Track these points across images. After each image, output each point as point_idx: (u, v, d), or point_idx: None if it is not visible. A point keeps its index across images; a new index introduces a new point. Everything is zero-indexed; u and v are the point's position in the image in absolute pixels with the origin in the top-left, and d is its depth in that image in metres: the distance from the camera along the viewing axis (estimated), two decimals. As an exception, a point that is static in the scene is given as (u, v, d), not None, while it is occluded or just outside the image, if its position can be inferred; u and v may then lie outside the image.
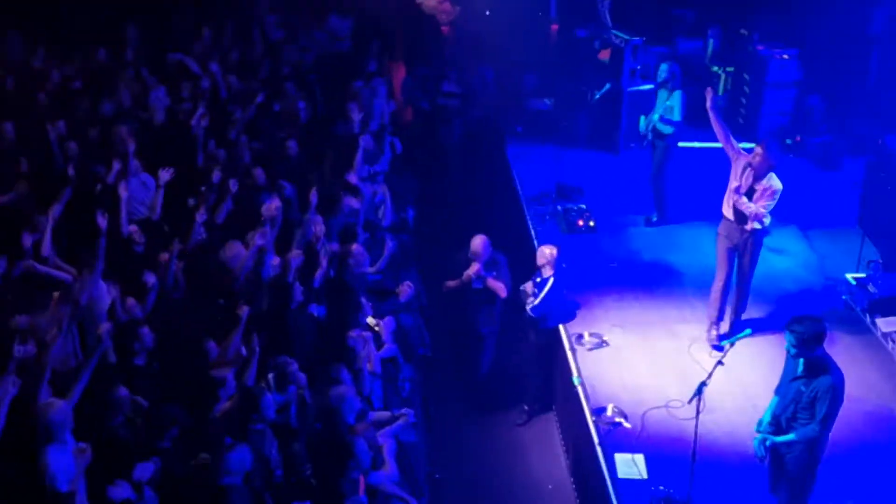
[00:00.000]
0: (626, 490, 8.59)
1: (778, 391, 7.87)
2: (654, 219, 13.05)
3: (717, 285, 10.43)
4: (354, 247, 10.12)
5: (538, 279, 10.51)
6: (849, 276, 11.52)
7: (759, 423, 7.91)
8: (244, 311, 8.55)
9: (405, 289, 10.59)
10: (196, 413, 7.84)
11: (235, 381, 8.12)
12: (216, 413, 7.82)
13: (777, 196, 9.88)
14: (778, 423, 7.74)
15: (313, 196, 10.46)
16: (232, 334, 8.51)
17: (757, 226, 10.02)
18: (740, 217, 10.07)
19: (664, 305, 11.30)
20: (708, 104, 10.42)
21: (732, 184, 10.07)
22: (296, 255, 9.54)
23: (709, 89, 10.62)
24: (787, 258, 12.25)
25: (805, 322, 7.46)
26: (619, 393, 9.90)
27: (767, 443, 7.74)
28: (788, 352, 7.57)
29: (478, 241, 10.65)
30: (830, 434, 7.68)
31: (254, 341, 8.33)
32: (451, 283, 10.80)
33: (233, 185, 10.48)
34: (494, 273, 10.65)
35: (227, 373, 8.07)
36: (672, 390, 9.86)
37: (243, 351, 8.48)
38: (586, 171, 14.53)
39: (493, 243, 10.80)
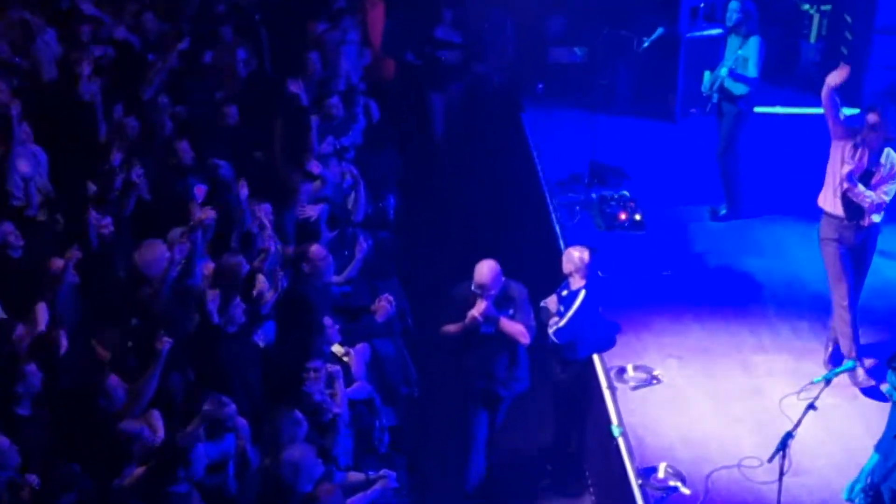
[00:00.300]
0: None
1: (879, 447, 7.87)
2: (723, 212, 13.11)
3: (842, 304, 10.33)
4: (314, 248, 10.14)
5: (564, 292, 10.57)
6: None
7: (850, 490, 7.93)
8: (164, 344, 8.58)
9: (384, 305, 10.62)
10: (100, 475, 7.85)
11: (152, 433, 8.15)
12: (126, 476, 7.83)
13: None
14: (877, 493, 7.73)
15: (242, 187, 10.49)
16: (148, 372, 8.54)
17: (876, 218, 10.11)
18: (853, 211, 10.07)
19: (736, 329, 11.35)
20: (834, 81, 10.22)
21: (842, 168, 10.05)
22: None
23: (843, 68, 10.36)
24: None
25: None
26: (674, 447, 9.92)
27: None
28: (891, 397, 7.57)
29: (484, 271, 10.16)
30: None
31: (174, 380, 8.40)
32: (452, 328, 10.35)
33: (135, 174, 10.47)
34: (510, 311, 10.29)
35: (139, 426, 8.10)
36: (746, 444, 9.87)
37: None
38: (630, 146, 14.62)
39: (507, 260, 10.81)
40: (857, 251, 10.32)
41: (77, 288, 9.48)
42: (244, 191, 10.60)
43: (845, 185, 9.99)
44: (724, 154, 12.90)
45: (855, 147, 9.98)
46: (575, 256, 10.51)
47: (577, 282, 10.49)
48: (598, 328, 10.80)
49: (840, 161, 10.06)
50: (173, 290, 9.46)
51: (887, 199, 9.94)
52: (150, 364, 8.60)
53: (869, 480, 7.79)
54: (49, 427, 8.33)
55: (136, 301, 9.42)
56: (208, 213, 10.03)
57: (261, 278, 9.92)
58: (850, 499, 7.88)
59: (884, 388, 7.61)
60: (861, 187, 9.95)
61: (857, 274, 10.37)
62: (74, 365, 8.82)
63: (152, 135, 11.57)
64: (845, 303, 10.30)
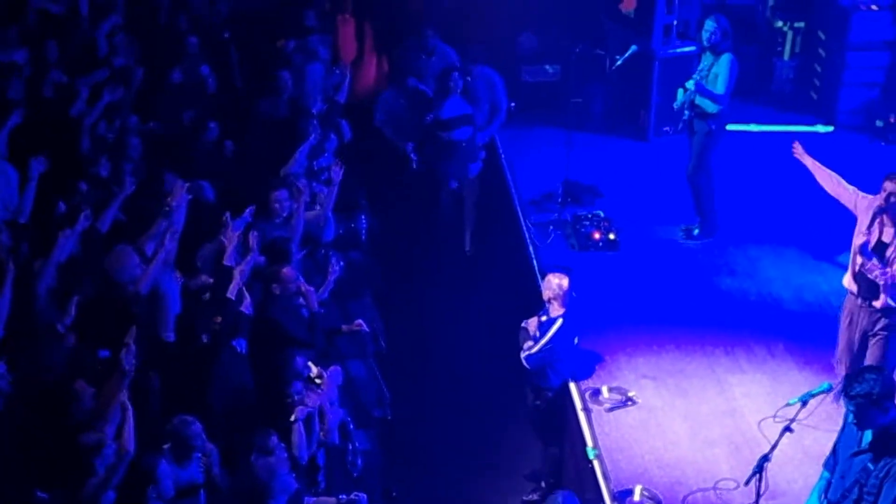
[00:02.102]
0: None
1: (828, 465, 7.88)
2: (696, 231, 13.15)
3: (839, 372, 10.07)
4: (284, 270, 10.13)
5: (544, 318, 10.59)
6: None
7: None
8: (128, 363, 8.56)
9: (357, 328, 10.61)
10: (62, 491, 7.82)
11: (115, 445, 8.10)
12: (88, 491, 7.78)
13: None
14: None
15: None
16: (115, 382, 8.51)
17: (892, 304, 9.50)
18: (868, 289, 9.62)
19: (711, 350, 11.38)
20: (798, 151, 10.40)
21: (857, 240, 9.63)
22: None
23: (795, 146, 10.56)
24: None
25: (866, 378, 7.40)
26: (650, 469, 9.94)
27: None
28: (856, 425, 7.55)
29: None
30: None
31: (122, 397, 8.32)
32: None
33: (129, 186, 10.47)
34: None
35: (101, 436, 8.05)
36: (722, 466, 9.91)
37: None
38: (604, 164, 14.64)
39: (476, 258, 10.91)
40: (870, 338, 9.84)
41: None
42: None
43: (859, 260, 9.55)
44: (696, 173, 12.88)
45: (873, 217, 9.50)
46: (554, 283, 10.52)
47: (555, 309, 10.50)
48: (572, 358, 10.77)
49: (859, 232, 9.59)
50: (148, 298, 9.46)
51: None
52: (118, 385, 8.56)
53: (825, 500, 7.78)
54: (16, 432, 8.29)
55: (109, 304, 9.38)
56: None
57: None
58: None
59: (849, 417, 7.61)
60: (874, 262, 9.49)
61: (866, 360, 9.82)
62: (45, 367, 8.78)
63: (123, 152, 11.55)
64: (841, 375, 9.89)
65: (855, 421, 7.48)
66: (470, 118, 13.71)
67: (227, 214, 10.16)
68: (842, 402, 9.46)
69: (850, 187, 9.98)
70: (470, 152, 13.88)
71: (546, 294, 10.54)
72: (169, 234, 9.80)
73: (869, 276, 9.46)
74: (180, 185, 10.27)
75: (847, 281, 9.83)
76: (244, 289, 9.63)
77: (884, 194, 9.40)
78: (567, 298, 10.48)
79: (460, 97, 13.65)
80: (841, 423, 7.83)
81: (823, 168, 10.26)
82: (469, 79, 13.90)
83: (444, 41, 14.73)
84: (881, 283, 9.40)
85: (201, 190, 11.08)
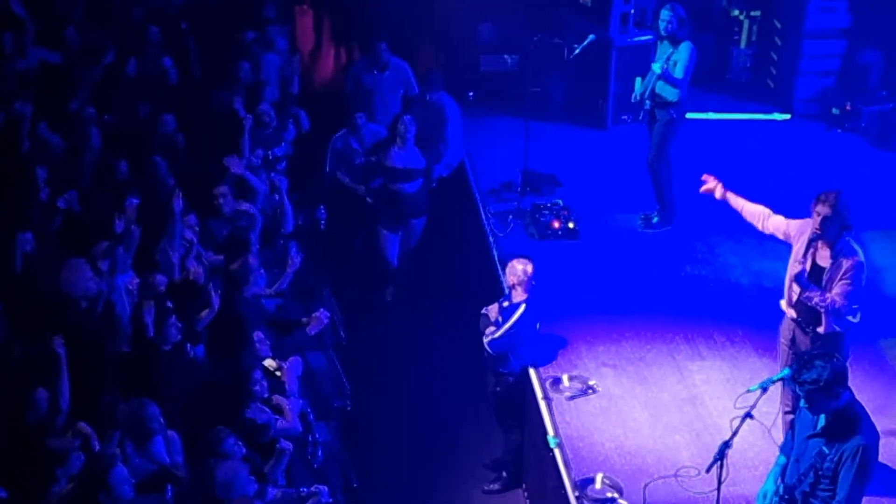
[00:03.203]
0: (622, 591, 8.61)
1: (785, 449, 7.88)
2: (656, 219, 13.12)
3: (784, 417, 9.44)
4: (243, 260, 10.03)
5: (506, 303, 10.56)
6: (919, 293, 11.69)
7: (762, 497, 7.92)
8: (57, 344, 8.51)
9: (317, 318, 10.52)
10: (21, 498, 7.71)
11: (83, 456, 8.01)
12: (53, 497, 7.68)
13: (862, 274, 8.95)
14: (792, 497, 7.73)
15: (177, 199, 10.38)
16: (57, 380, 8.42)
17: (838, 329, 9.06)
18: (809, 316, 9.20)
19: (671, 337, 11.36)
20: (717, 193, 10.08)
21: (793, 269, 9.21)
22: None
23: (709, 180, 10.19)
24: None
25: (816, 365, 7.39)
26: (611, 458, 9.91)
27: None
28: (808, 409, 7.55)
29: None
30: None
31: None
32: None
33: (64, 202, 10.35)
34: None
35: (69, 443, 7.96)
36: (683, 454, 9.89)
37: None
38: (563, 154, 14.61)
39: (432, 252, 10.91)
40: None
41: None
42: (178, 203, 10.45)
43: (796, 289, 9.19)
44: (655, 161, 12.87)
45: (808, 244, 9.09)
46: (518, 269, 10.47)
47: (518, 295, 10.46)
48: (534, 343, 10.76)
49: (795, 260, 9.19)
50: (95, 308, 9.35)
51: (844, 301, 8.93)
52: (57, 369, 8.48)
53: (782, 484, 7.77)
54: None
55: (57, 319, 9.26)
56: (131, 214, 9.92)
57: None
58: None
59: (801, 402, 7.60)
60: (812, 290, 9.01)
61: None
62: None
63: (80, 148, 11.41)
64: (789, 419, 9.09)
65: (806, 406, 7.49)
66: (422, 172, 13.22)
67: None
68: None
69: (778, 217, 9.63)
70: (416, 206, 13.34)
71: (510, 280, 10.49)
72: (122, 250, 9.71)
73: (809, 303, 9.10)
74: (131, 204, 10.19)
75: (785, 306, 9.45)
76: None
77: (817, 218, 8.96)
78: (530, 284, 10.45)
79: (414, 146, 13.10)
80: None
81: (748, 203, 9.91)
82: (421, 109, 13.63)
83: (402, 46, 14.64)
84: (822, 309, 9.05)
85: (157, 168, 10.98)
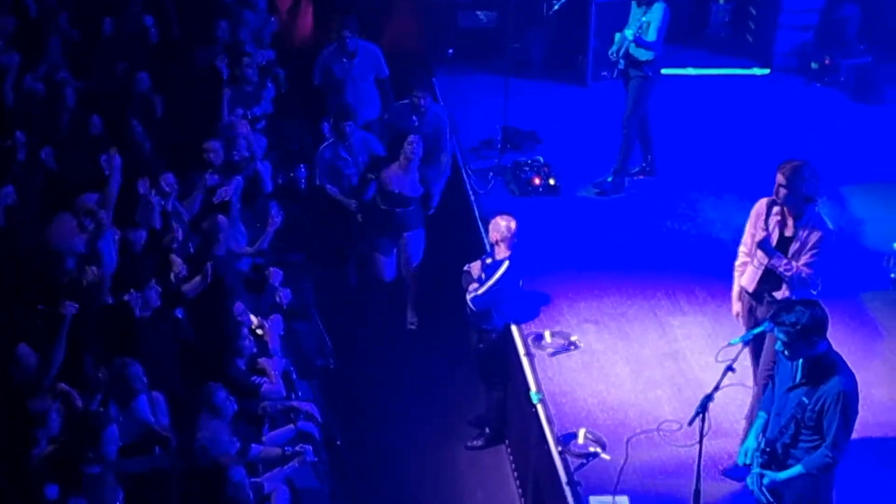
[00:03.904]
0: (605, 545, 8.61)
1: (765, 405, 7.90)
2: (609, 179, 13.01)
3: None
4: (220, 218, 9.96)
5: (489, 260, 10.54)
6: (898, 245, 11.70)
7: (744, 454, 7.93)
8: (68, 308, 8.43)
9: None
10: (5, 456, 7.70)
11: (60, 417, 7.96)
12: (35, 458, 7.64)
13: (830, 246, 8.80)
14: (774, 450, 7.75)
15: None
16: (55, 339, 8.36)
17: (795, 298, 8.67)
18: (770, 282, 8.99)
19: (652, 293, 11.35)
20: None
21: (758, 235, 8.92)
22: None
23: None
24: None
25: (796, 309, 7.44)
26: (593, 413, 9.91)
27: (766, 480, 7.74)
28: (783, 353, 7.58)
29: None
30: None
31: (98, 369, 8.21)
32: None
33: (45, 157, 10.26)
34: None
35: (49, 404, 7.92)
36: (665, 408, 9.90)
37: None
38: (543, 110, 14.54)
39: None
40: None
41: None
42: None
43: (759, 254, 8.96)
44: (627, 120, 12.81)
45: (768, 210, 8.89)
46: (502, 225, 10.44)
47: (501, 251, 10.44)
48: (517, 300, 10.73)
49: (757, 228, 8.94)
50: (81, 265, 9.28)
51: (810, 271, 8.75)
52: (56, 331, 8.41)
53: (763, 439, 7.79)
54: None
55: (44, 276, 9.21)
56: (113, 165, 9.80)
57: (176, 260, 9.75)
58: (746, 462, 7.88)
59: (777, 345, 7.61)
60: (778, 256, 8.83)
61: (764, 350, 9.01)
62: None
63: (56, 106, 11.33)
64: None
65: (783, 350, 7.52)
66: (418, 199, 12.15)
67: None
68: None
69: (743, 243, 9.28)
70: (409, 222, 12.22)
71: (493, 236, 10.47)
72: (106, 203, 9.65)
73: (776, 271, 8.91)
74: (113, 155, 10.11)
75: (745, 279, 9.18)
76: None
77: (776, 186, 8.75)
78: (514, 241, 10.42)
79: (416, 171, 11.97)
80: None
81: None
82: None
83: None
84: (787, 276, 8.85)
85: (134, 131, 10.90)
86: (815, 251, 8.74)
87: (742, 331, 9.25)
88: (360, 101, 13.19)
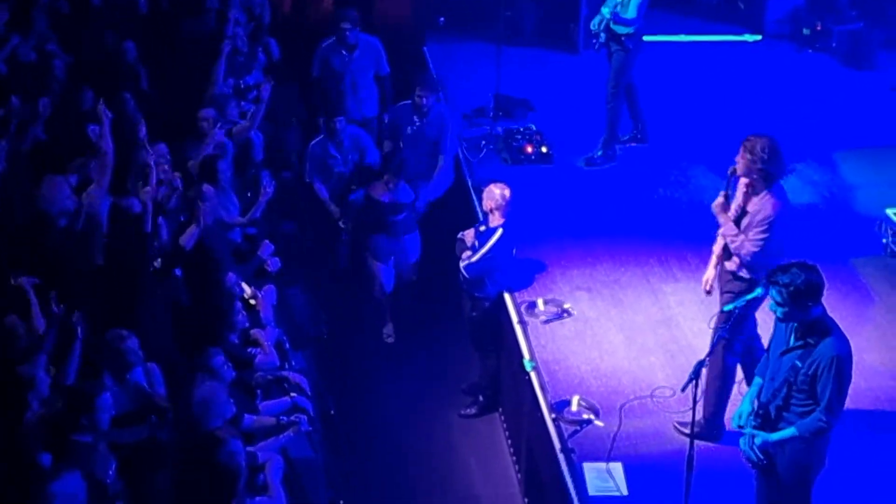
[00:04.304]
0: (599, 511, 8.62)
1: (761, 370, 7.91)
2: (599, 153, 12.97)
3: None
4: (206, 188, 9.91)
5: (482, 228, 10.54)
6: (890, 210, 11.67)
7: (738, 417, 7.95)
8: (26, 282, 8.38)
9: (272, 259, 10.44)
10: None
11: (49, 378, 7.93)
12: (27, 425, 7.62)
13: (775, 229, 8.63)
14: (767, 412, 7.77)
15: (141, 126, 10.23)
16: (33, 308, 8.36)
17: (744, 275, 8.78)
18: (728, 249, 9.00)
19: (644, 260, 11.35)
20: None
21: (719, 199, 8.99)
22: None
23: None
24: (807, 189, 12.37)
25: (792, 271, 7.42)
26: (587, 380, 9.91)
27: (758, 441, 7.76)
28: (775, 313, 7.59)
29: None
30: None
31: (74, 320, 8.12)
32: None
33: (43, 107, 10.21)
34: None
35: (36, 368, 7.88)
36: (659, 374, 9.90)
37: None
38: (535, 78, 14.52)
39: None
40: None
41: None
42: (143, 129, 10.34)
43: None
44: (613, 93, 12.71)
45: (729, 178, 8.86)
46: (496, 193, 10.43)
47: (495, 219, 10.43)
48: (510, 268, 10.74)
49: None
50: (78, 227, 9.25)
51: (752, 248, 8.65)
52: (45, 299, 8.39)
53: (756, 403, 7.81)
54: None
55: (36, 240, 9.16)
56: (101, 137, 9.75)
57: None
58: (739, 426, 7.89)
59: (769, 304, 7.61)
60: (724, 229, 8.83)
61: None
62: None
63: (46, 76, 11.28)
64: None
65: (776, 310, 7.50)
66: (410, 206, 11.86)
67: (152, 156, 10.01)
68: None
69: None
70: (404, 227, 11.93)
71: (488, 204, 10.45)
72: (99, 163, 9.57)
73: (724, 238, 8.93)
74: (103, 111, 10.03)
75: (717, 245, 9.15)
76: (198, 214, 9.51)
77: (737, 158, 8.69)
78: (508, 209, 10.41)
79: (405, 184, 11.79)
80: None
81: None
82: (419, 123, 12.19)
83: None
84: (732, 248, 8.83)
85: (125, 104, 10.85)
86: (760, 230, 8.61)
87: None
88: (359, 97, 12.95)
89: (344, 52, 12.82)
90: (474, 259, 10.42)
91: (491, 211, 10.46)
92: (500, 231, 10.38)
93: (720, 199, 8.88)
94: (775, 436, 7.65)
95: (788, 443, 7.62)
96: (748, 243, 8.65)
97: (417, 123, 12.17)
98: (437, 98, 12.44)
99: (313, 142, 12.17)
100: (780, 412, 7.67)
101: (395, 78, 13.19)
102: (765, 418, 7.75)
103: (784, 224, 8.66)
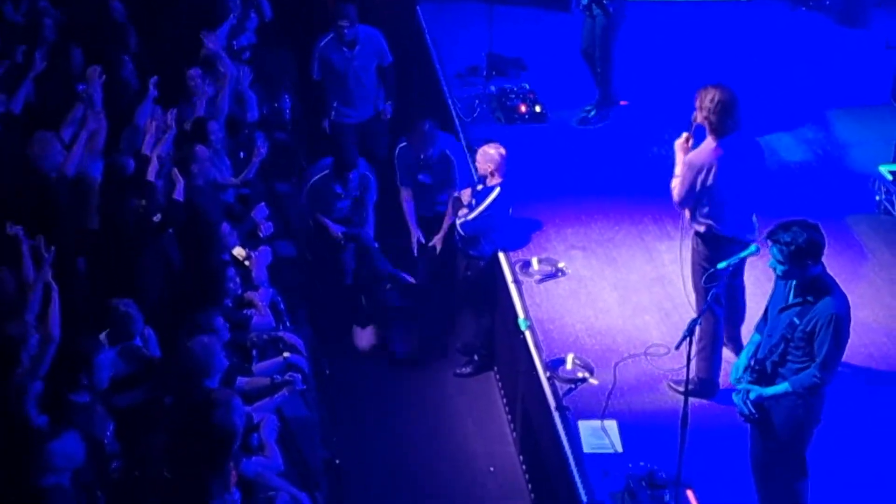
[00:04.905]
0: (594, 468, 8.63)
1: (759, 328, 7.93)
2: (592, 113, 12.95)
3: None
4: (199, 149, 9.85)
5: (479, 186, 10.57)
6: (884, 168, 11.66)
7: (735, 371, 7.97)
8: (11, 229, 8.29)
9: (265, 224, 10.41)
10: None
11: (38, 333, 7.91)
12: (18, 377, 7.60)
13: (700, 170, 8.75)
14: (763, 368, 7.79)
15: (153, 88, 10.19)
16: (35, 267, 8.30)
17: (694, 226, 9.00)
18: None
19: (639, 218, 11.35)
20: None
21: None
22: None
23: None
24: (801, 147, 12.35)
25: (793, 229, 7.44)
26: (581, 338, 9.93)
27: (752, 396, 7.77)
28: (775, 270, 7.60)
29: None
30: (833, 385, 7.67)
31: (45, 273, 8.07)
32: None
33: (38, 63, 10.16)
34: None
35: (25, 324, 7.85)
36: (653, 332, 9.92)
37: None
38: (528, 37, 14.46)
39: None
40: None
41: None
42: (154, 91, 10.29)
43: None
44: (601, 55, 12.65)
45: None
46: (491, 153, 10.44)
47: (493, 179, 10.44)
48: (506, 227, 10.75)
49: None
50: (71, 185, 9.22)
51: (676, 189, 8.96)
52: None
53: (754, 359, 7.82)
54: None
55: (30, 198, 9.13)
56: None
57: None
58: (736, 379, 7.91)
59: (769, 262, 7.62)
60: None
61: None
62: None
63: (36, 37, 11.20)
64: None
65: (775, 267, 7.51)
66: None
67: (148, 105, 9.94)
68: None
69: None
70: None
71: (483, 166, 10.48)
72: (91, 117, 9.53)
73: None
74: (94, 69, 9.97)
75: None
76: (176, 173, 9.42)
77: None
78: (505, 168, 10.39)
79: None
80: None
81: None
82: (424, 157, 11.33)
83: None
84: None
85: (119, 66, 10.79)
86: (686, 170, 8.85)
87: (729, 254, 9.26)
88: (366, 96, 12.53)
89: (344, 49, 12.27)
90: (471, 217, 10.43)
91: (487, 171, 10.44)
92: (497, 190, 10.39)
93: (682, 139, 9.02)
94: (769, 390, 7.66)
95: (783, 398, 7.63)
96: (676, 181, 8.87)
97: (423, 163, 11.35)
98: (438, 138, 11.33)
99: (316, 177, 11.35)
100: (776, 368, 7.68)
101: (390, 33, 12.97)
102: (761, 374, 7.76)
103: (725, 177, 8.72)
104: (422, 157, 11.22)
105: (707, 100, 8.72)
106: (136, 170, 9.49)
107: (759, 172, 9.07)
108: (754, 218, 9.00)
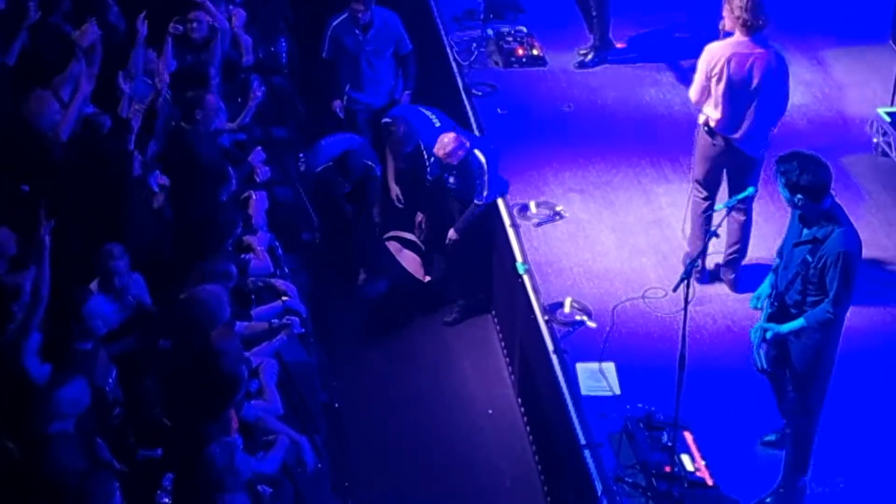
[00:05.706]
0: (592, 410, 8.67)
1: (780, 253, 7.94)
2: (590, 56, 12.87)
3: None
4: (207, 97, 9.79)
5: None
6: (881, 110, 11.63)
7: (756, 299, 7.99)
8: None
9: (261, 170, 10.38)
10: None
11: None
12: (11, 332, 7.59)
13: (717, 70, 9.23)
14: (782, 302, 7.80)
15: (142, 26, 10.08)
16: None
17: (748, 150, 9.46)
18: None
19: (636, 161, 11.33)
20: None
21: None
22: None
23: None
24: (798, 88, 12.28)
25: (797, 159, 7.47)
26: (579, 282, 9.95)
27: (769, 334, 7.82)
28: (788, 202, 7.60)
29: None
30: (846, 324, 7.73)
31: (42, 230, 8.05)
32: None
33: (33, 12, 10.06)
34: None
35: (22, 277, 7.84)
36: (650, 275, 9.94)
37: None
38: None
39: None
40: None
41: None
42: (144, 29, 10.18)
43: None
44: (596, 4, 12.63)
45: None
46: (445, 142, 10.46)
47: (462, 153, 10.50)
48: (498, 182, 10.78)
49: None
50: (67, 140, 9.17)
51: (692, 88, 9.63)
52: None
53: (774, 291, 7.83)
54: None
55: (31, 154, 9.09)
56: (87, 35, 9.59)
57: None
58: (757, 307, 7.94)
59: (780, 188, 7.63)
60: None
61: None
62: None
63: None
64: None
65: (786, 199, 7.55)
66: None
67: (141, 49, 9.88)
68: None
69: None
70: None
71: (450, 156, 10.44)
72: (85, 76, 9.44)
73: None
74: (90, 24, 9.88)
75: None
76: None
77: None
78: (461, 140, 10.49)
79: None
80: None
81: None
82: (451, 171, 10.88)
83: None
84: None
85: (104, 10, 10.69)
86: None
87: (725, 197, 9.28)
88: (378, 81, 11.97)
89: (357, 32, 11.67)
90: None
91: (459, 156, 10.45)
92: (478, 153, 10.49)
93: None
94: (786, 327, 7.71)
95: (802, 332, 7.69)
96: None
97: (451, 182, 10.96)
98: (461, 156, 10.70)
99: (320, 168, 11.32)
100: (798, 305, 7.71)
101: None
102: (780, 308, 7.79)
103: (738, 73, 9.14)
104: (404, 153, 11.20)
105: (737, 1, 8.88)
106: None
107: (777, 83, 9.30)
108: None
